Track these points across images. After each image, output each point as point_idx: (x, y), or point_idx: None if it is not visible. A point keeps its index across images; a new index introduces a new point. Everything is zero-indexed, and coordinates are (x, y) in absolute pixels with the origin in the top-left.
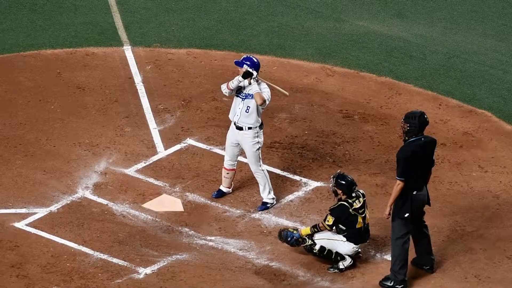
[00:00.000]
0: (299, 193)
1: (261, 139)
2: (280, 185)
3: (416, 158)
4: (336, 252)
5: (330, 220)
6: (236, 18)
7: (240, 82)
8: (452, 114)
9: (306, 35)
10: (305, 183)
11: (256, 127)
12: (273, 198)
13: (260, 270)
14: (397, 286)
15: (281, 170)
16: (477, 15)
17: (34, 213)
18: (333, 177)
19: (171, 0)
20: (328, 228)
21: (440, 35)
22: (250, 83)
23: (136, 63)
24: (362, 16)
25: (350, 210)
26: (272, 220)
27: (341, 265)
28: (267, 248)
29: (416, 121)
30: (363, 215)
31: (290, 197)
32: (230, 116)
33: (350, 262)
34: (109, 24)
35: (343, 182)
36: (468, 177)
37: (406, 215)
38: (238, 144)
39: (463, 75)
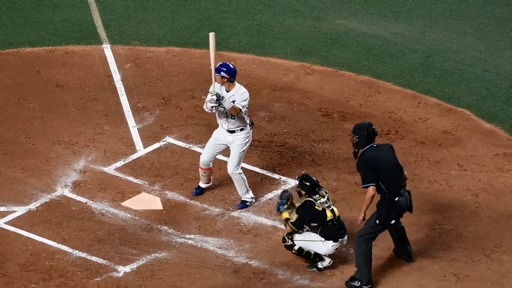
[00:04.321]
0: (278, 192)
1: (250, 141)
2: (259, 184)
3: (375, 162)
4: (315, 253)
5: (294, 217)
6: (215, 16)
7: (210, 107)
8: (431, 113)
9: (286, 34)
10: (284, 181)
11: (247, 126)
12: (252, 197)
13: (239, 268)
14: (364, 286)
15: (260, 168)
16: (456, 14)
17: (13, 212)
18: (298, 178)
19: None
20: (293, 227)
21: (419, 34)
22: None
23: (115, 61)
24: (342, 14)
25: (316, 206)
26: (251, 218)
27: (320, 265)
28: (246, 247)
29: (365, 132)
30: (330, 208)
31: (269, 195)
32: (219, 123)
33: (330, 262)
34: (88, 22)
35: (307, 184)
36: (447, 176)
37: (393, 222)
38: (224, 144)
39: (442, 74)
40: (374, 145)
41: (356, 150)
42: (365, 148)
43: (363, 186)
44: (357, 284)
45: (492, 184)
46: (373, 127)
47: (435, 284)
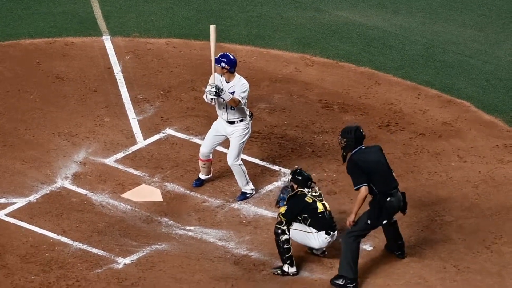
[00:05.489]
0: (279, 183)
1: (250, 132)
2: (259, 175)
3: (364, 163)
4: (292, 255)
5: (283, 209)
6: (215, 8)
7: (209, 98)
8: (431, 104)
9: (286, 25)
10: (284, 173)
11: (246, 117)
12: (252, 189)
13: (239, 260)
14: (349, 284)
15: (260, 160)
16: (456, 5)
17: (13, 203)
18: (291, 173)
19: None
20: (283, 218)
21: (419, 25)
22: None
23: (115, 53)
24: (342, 6)
25: (307, 198)
26: (251, 210)
27: (286, 268)
28: (246, 238)
29: (352, 136)
30: (323, 202)
31: (269, 187)
32: (219, 114)
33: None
34: (88, 14)
35: (300, 178)
36: (447, 167)
37: (384, 222)
38: (224, 135)
39: (442, 65)
40: (363, 147)
41: (345, 153)
42: (353, 151)
43: (355, 188)
44: (342, 282)
45: (492, 175)
46: (361, 130)
47: (435, 275)
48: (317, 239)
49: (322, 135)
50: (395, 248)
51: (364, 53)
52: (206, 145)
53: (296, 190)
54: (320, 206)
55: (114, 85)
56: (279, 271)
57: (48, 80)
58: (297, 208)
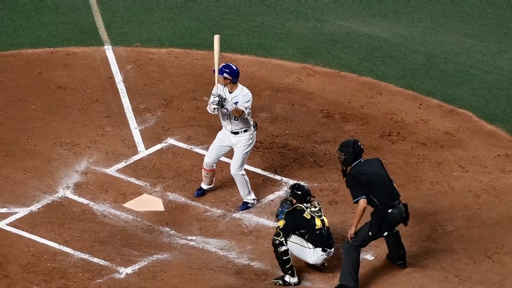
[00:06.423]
0: (280, 193)
1: (254, 142)
2: (261, 185)
3: (364, 176)
4: (292, 265)
5: (281, 223)
6: (217, 17)
7: (212, 108)
8: (432, 114)
9: (287, 35)
10: (286, 182)
11: (251, 127)
12: (254, 199)
13: (241, 270)
14: None
15: (262, 169)
16: (458, 15)
17: (15, 213)
18: (290, 187)
19: (152, 0)
20: (281, 233)
21: (421, 35)
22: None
23: (117, 63)
24: (343, 16)
25: (305, 213)
26: (253, 219)
27: (288, 278)
28: (248, 248)
29: (351, 149)
30: (321, 218)
31: (271, 196)
32: (223, 124)
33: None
34: (90, 24)
35: (299, 193)
36: (448, 177)
37: (385, 234)
38: (229, 146)
39: (444, 75)
40: (362, 161)
41: (344, 168)
42: (353, 165)
43: (354, 201)
44: None
45: (494, 185)
46: (359, 143)
47: (437, 285)
48: (313, 255)
49: (323, 144)
50: (397, 258)
51: (366, 62)
52: (210, 155)
53: (295, 205)
54: (318, 223)
55: (115, 95)
56: (280, 282)
57: (49, 90)
58: (294, 224)
